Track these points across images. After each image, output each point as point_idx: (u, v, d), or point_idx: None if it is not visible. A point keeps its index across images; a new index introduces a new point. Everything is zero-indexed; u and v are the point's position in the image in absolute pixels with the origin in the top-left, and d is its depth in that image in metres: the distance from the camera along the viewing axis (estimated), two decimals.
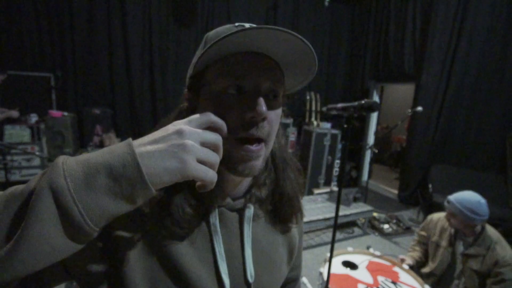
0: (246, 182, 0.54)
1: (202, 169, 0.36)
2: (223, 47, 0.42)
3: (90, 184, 0.31)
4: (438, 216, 1.99)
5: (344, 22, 5.73)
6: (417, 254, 2.03)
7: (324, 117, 4.88)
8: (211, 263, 0.49)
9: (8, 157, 3.18)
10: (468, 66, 3.94)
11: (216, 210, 0.50)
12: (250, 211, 0.53)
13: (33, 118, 3.60)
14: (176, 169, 0.34)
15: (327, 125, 4.55)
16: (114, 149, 0.34)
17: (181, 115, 0.51)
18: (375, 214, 3.76)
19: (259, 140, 0.45)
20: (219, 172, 0.45)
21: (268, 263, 0.55)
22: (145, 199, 0.34)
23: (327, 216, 3.14)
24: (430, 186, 3.89)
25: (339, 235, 3.39)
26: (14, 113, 3.24)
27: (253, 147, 0.44)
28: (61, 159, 0.33)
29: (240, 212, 0.53)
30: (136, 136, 0.38)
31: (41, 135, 3.55)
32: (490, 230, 1.73)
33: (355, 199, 3.67)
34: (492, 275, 1.64)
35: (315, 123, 4.61)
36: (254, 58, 0.44)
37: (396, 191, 4.91)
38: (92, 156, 0.33)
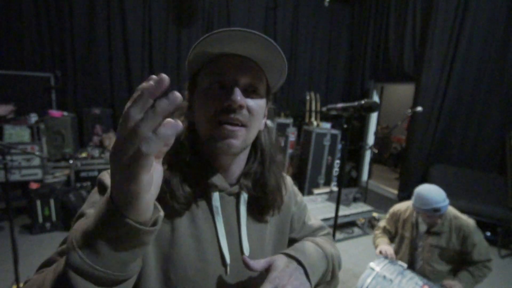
0: (237, 169, 0.61)
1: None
2: (207, 50, 0.51)
3: (99, 253, 0.33)
4: (398, 208, 2.03)
5: (344, 22, 5.72)
6: (387, 241, 2.06)
7: (324, 117, 4.88)
8: (214, 240, 0.57)
9: (8, 157, 3.17)
10: (468, 66, 3.93)
11: (217, 193, 0.58)
12: (245, 195, 0.62)
13: (33, 118, 3.59)
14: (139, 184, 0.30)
15: (327, 125, 4.55)
16: (99, 210, 0.34)
17: (180, 111, 0.61)
18: (375, 214, 3.76)
19: (238, 124, 0.52)
20: (212, 158, 0.57)
21: (259, 238, 0.64)
22: (152, 233, 0.35)
23: (327, 216, 3.14)
24: None
25: (339, 235, 3.39)
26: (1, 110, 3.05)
27: (230, 127, 0.52)
28: (71, 236, 0.35)
29: (236, 196, 0.62)
30: None
31: (41, 135, 3.54)
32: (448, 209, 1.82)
33: (355, 199, 3.67)
34: (464, 248, 1.73)
35: (315, 123, 4.61)
36: (233, 59, 0.53)
37: (396, 191, 4.90)
38: (89, 225, 0.34)
